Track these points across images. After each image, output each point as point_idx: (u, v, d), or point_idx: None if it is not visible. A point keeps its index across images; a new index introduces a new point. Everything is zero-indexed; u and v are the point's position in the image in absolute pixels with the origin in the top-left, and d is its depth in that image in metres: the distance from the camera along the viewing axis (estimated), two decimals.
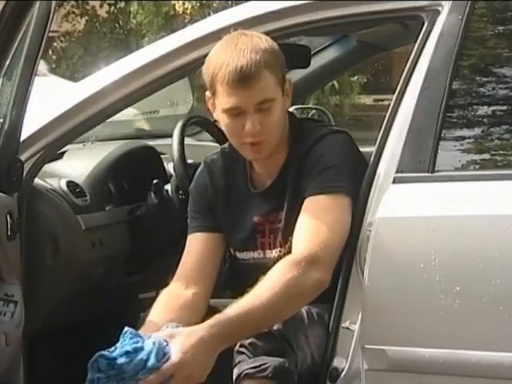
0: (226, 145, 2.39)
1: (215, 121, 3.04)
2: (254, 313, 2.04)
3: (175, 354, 1.96)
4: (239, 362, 2.10)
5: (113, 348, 1.99)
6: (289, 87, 2.26)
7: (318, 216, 2.15)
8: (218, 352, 2.02)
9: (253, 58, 2.16)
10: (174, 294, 2.24)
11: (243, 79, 2.15)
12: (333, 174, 2.19)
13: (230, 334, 2.03)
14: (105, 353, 1.98)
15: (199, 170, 2.40)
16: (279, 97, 2.22)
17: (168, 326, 2.07)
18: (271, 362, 2.08)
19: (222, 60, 2.17)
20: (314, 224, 2.15)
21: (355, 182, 2.18)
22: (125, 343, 1.98)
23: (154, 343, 1.96)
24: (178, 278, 2.27)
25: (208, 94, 2.26)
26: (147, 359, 1.94)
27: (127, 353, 1.95)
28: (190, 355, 1.97)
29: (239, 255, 2.32)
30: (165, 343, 1.97)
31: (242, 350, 2.10)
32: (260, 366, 2.07)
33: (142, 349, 1.96)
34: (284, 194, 2.25)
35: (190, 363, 1.97)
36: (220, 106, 2.21)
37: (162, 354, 1.95)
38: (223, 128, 2.26)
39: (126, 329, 2.01)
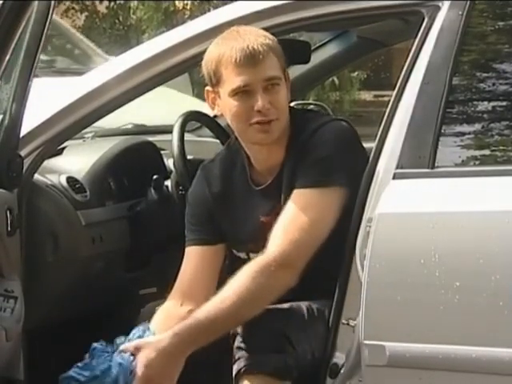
0: (222, 150, 2.37)
1: (215, 116, 3.04)
2: (218, 318, 2.08)
3: (140, 369, 2.05)
4: (239, 359, 2.10)
5: (83, 363, 2.09)
6: (288, 80, 2.26)
7: (300, 213, 2.15)
8: (184, 358, 2.08)
9: (258, 40, 2.20)
10: (169, 314, 2.25)
11: (251, 56, 2.17)
12: (326, 166, 2.17)
13: (194, 340, 2.08)
14: (76, 375, 2.07)
15: (196, 179, 2.38)
16: (283, 80, 2.23)
17: (139, 329, 2.10)
18: (271, 357, 2.08)
19: (227, 45, 2.20)
20: (293, 223, 2.14)
21: (351, 172, 2.17)
22: (94, 364, 2.07)
23: (120, 364, 2.05)
24: (175, 294, 2.28)
25: (208, 88, 2.25)
26: (116, 381, 2.04)
27: (96, 377, 2.05)
28: (153, 368, 2.05)
29: (254, 256, 2.28)
30: (131, 358, 2.06)
31: (242, 346, 2.11)
32: (259, 361, 2.08)
33: (110, 370, 2.05)
34: (284, 185, 2.24)
35: (154, 376, 2.06)
36: (227, 90, 2.20)
37: (129, 371, 2.05)
38: (229, 115, 2.23)
39: (94, 345, 2.10)
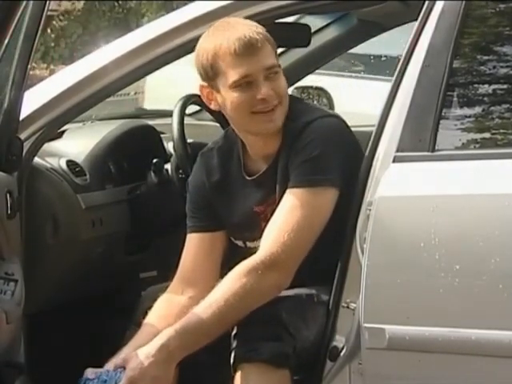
0: (220, 139, 2.35)
1: None
2: (206, 323, 2.08)
3: (124, 376, 2.06)
4: (236, 346, 2.10)
5: None
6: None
7: (291, 214, 2.13)
8: (174, 362, 2.08)
9: (253, 29, 2.17)
10: (170, 302, 2.25)
11: (250, 45, 2.14)
12: (317, 164, 2.15)
13: (181, 344, 2.08)
14: None
15: (195, 167, 2.37)
16: (280, 68, 2.21)
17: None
18: (267, 345, 2.08)
19: (221, 37, 2.16)
20: (284, 224, 2.13)
21: (343, 170, 2.15)
22: None
23: (105, 381, 2.07)
24: (176, 282, 2.28)
25: (203, 83, 2.21)
26: None
27: None
28: (137, 372, 2.06)
29: (251, 244, 2.29)
30: (116, 373, 2.08)
31: (239, 334, 2.11)
32: (256, 349, 2.08)
33: None
34: (277, 176, 2.22)
35: (138, 378, 2.06)
36: (226, 83, 2.16)
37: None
38: (230, 108, 2.19)
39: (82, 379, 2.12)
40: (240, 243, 2.32)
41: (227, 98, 2.19)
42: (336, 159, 2.17)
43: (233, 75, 2.15)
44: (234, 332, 2.12)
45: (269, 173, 2.25)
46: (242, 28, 2.16)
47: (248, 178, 2.28)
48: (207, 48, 2.18)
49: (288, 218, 2.14)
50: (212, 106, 2.25)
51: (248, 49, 2.14)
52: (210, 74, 2.18)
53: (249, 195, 2.27)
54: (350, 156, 2.16)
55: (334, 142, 2.18)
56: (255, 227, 2.23)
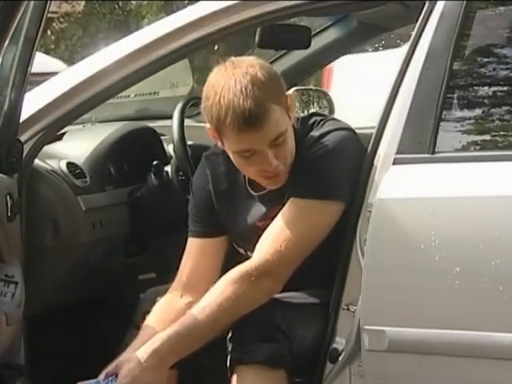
0: None
1: None
2: (198, 327, 2.08)
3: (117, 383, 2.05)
4: (232, 349, 2.10)
5: None
6: (290, 102, 2.16)
7: (290, 224, 2.12)
8: (166, 367, 2.08)
9: (257, 96, 2.06)
10: (168, 307, 2.25)
11: (253, 123, 2.07)
12: (324, 178, 2.14)
13: (173, 349, 2.07)
14: None
15: (199, 169, 2.34)
16: (289, 123, 2.15)
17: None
18: (262, 347, 2.08)
19: (226, 103, 2.07)
20: (281, 233, 2.12)
21: (350, 183, 2.13)
22: None
23: None
24: (175, 286, 2.28)
25: (210, 127, 2.16)
26: None
27: None
28: (130, 379, 2.05)
29: (251, 254, 2.25)
30: (110, 382, 2.08)
31: (235, 336, 2.11)
32: (251, 351, 2.08)
33: None
34: (284, 193, 2.21)
35: None
36: (230, 148, 2.14)
37: None
38: (234, 162, 2.17)
39: None
40: (241, 251, 2.32)
41: (231, 156, 2.17)
42: (344, 173, 2.15)
43: (235, 147, 2.12)
44: (230, 335, 2.12)
45: (276, 190, 2.21)
46: (247, 94, 2.05)
47: (254, 193, 2.26)
48: (213, 107, 2.10)
49: (287, 227, 2.13)
50: (219, 144, 2.21)
51: (251, 127, 2.07)
52: (215, 131, 2.15)
53: (253, 209, 2.26)
54: (358, 168, 2.14)
55: (343, 156, 2.16)
56: (256, 239, 2.20)
